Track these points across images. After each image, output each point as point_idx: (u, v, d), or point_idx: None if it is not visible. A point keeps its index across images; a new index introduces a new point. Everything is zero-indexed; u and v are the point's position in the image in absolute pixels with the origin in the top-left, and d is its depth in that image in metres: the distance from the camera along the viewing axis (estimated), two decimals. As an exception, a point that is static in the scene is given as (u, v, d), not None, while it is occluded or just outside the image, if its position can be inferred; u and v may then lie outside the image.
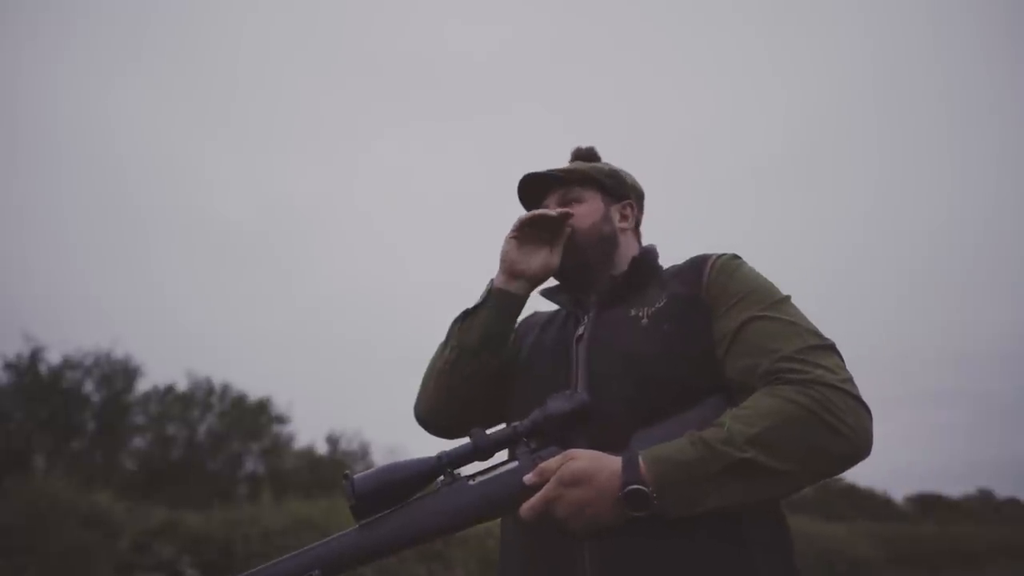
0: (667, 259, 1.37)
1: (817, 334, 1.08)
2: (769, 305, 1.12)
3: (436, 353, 1.34)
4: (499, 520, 1.13)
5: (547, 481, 1.00)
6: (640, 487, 0.94)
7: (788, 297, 1.15)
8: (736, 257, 1.24)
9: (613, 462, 0.98)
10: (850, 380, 1.02)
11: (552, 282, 1.38)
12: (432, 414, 1.34)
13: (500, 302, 1.27)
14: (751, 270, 1.21)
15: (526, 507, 0.99)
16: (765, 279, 1.19)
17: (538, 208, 1.38)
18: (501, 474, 1.04)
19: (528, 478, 1.02)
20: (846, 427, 0.97)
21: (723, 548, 1.05)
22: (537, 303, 1.40)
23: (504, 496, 1.02)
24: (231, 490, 13.70)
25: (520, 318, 1.40)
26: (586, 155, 1.46)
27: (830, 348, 1.06)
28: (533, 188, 1.39)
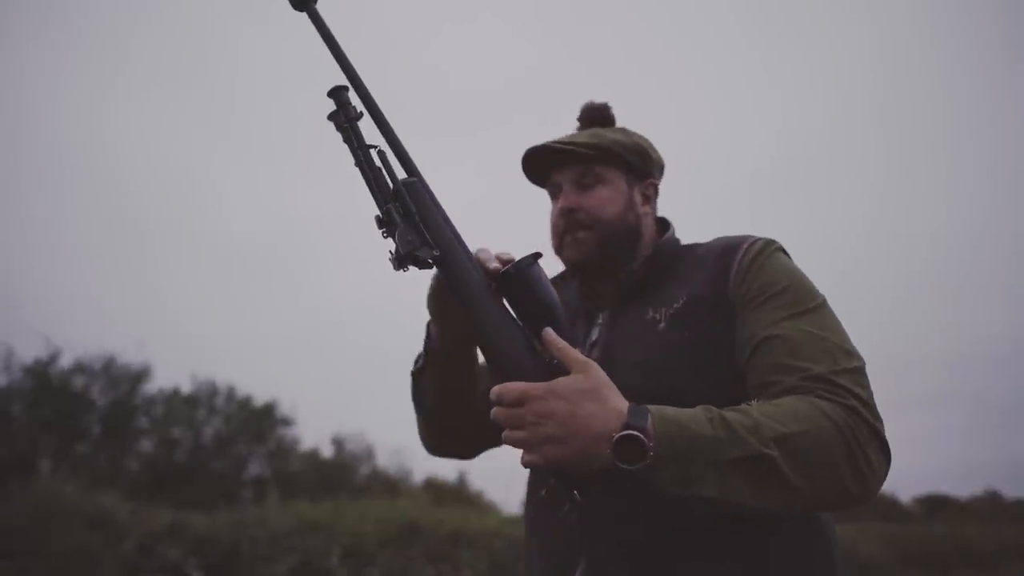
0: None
1: (850, 353, 0.96)
2: (800, 312, 0.99)
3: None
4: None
5: (556, 351, 0.85)
6: (641, 436, 0.79)
7: (823, 303, 1.02)
8: (771, 243, 1.09)
9: (621, 401, 0.83)
10: (881, 419, 0.91)
11: (559, 266, 1.25)
12: (437, 451, 1.30)
13: (438, 364, 1.15)
14: (785, 263, 1.07)
15: (503, 386, 0.84)
16: (801, 277, 1.05)
17: (545, 183, 1.23)
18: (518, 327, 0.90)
19: (547, 332, 0.86)
20: (868, 468, 0.87)
21: (743, 558, 0.97)
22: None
23: (509, 329, 0.88)
24: (236, 493, 13.69)
25: None
26: (601, 116, 1.24)
27: (860, 371, 0.94)
28: (540, 156, 1.20)
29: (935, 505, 30.10)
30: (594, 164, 1.17)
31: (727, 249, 1.10)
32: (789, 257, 1.10)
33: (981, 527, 18.72)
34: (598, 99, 1.24)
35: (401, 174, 0.92)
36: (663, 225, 1.25)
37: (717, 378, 1.01)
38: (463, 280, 0.89)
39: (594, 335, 1.15)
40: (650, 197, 1.23)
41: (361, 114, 0.92)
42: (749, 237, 1.10)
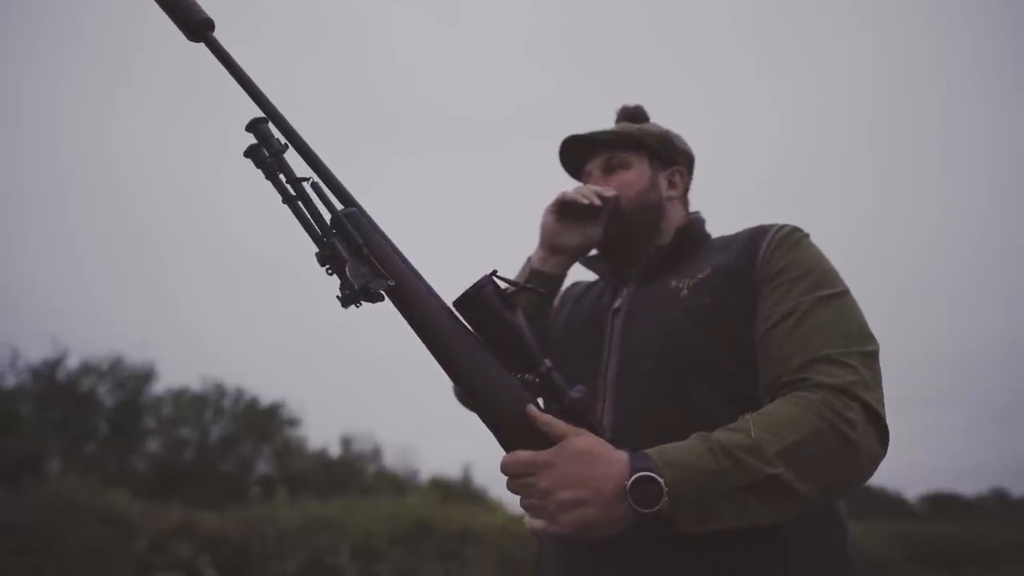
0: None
1: (864, 336, 0.98)
2: (822, 296, 1.01)
3: None
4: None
5: (543, 427, 0.83)
6: (654, 476, 0.79)
7: (846, 291, 1.04)
8: (798, 230, 1.12)
9: (619, 452, 0.83)
10: (882, 401, 0.92)
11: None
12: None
13: (539, 284, 1.20)
14: (812, 248, 1.10)
15: (509, 458, 0.83)
16: (826, 263, 1.08)
17: (580, 175, 1.33)
18: (513, 382, 0.86)
19: (531, 409, 0.84)
20: (864, 453, 0.89)
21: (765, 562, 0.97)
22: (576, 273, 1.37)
23: (500, 391, 0.84)
24: (243, 493, 13.73)
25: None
26: (633, 115, 1.35)
27: (872, 355, 0.96)
28: (575, 150, 1.31)
29: (942, 503, 30.02)
30: (618, 150, 1.27)
31: (757, 231, 1.14)
32: (813, 244, 1.12)
33: (988, 525, 18.67)
34: (631, 102, 1.34)
35: (338, 206, 0.88)
36: (695, 218, 1.31)
37: (734, 343, 1.04)
38: (420, 307, 0.86)
39: (616, 304, 1.20)
40: (675, 183, 1.30)
41: (286, 146, 0.86)
42: (779, 223, 1.14)
